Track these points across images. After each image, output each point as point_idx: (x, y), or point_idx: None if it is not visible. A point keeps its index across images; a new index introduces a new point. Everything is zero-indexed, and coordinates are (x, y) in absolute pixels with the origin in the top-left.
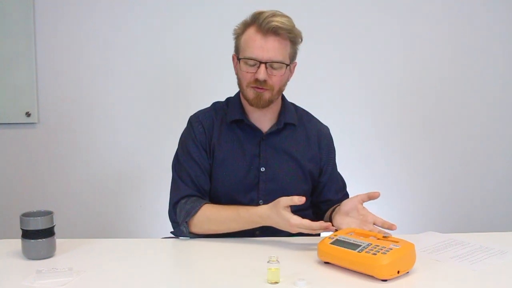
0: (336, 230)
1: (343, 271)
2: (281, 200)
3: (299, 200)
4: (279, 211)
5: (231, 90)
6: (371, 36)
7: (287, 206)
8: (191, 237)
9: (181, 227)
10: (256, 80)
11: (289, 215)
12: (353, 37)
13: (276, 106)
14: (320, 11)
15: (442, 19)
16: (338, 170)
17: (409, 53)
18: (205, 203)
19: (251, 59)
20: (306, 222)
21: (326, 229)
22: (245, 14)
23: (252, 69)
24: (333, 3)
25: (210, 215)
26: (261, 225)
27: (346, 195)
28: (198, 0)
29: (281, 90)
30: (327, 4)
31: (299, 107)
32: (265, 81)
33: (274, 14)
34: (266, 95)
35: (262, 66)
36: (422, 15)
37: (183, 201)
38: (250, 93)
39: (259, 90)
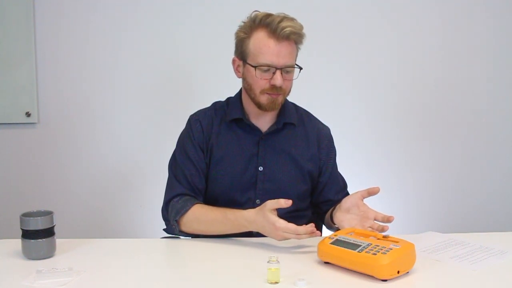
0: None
1: (343, 271)
2: (268, 203)
3: (285, 203)
4: (265, 213)
5: (232, 90)
6: (372, 35)
7: (274, 210)
8: (181, 236)
9: (171, 225)
10: (273, 87)
11: (275, 218)
12: (354, 37)
13: None
14: (319, 13)
15: (442, 19)
16: (340, 170)
17: (410, 54)
18: (196, 203)
19: (267, 66)
20: (292, 226)
21: (312, 234)
22: (247, 14)
23: (267, 75)
24: (331, 4)
25: (199, 216)
26: (247, 229)
27: (346, 195)
28: (199, 1)
29: (289, 92)
30: (326, 6)
31: (300, 107)
32: (280, 87)
33: (284, 18)
34: (280, 99)
35: (278, 72)
36: (421, 14)
37: (175, 199)
38: (264, 98)
39: (274, 96)
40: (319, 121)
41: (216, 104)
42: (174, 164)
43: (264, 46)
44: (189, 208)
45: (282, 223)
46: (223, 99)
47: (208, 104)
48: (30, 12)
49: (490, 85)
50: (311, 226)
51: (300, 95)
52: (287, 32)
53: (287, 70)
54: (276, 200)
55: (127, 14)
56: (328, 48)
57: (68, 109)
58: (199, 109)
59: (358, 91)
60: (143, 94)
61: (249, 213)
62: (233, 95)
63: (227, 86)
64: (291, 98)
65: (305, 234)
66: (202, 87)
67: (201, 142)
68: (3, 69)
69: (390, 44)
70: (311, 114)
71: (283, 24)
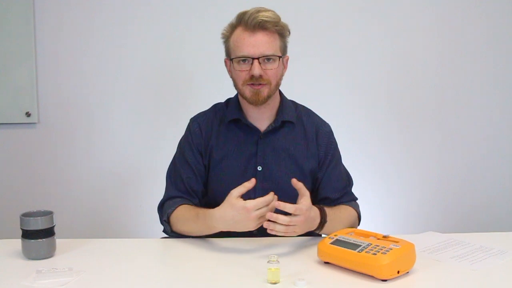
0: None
1: (343, 271)
2: (232, 192)
3: (249, 183)
4: (232, 202)
5: (231, 91)
6: (375, 34)
7: (239, 196)
8: (175, 237)
9: (163, 226)
10: (252, 77)
11: (243, 201)
12: (357, 36)
13: (273, 104)
14: (318, 10)
15: (444, 15)
16: None
17: (412, 52)
18: (182, 204)
19: (243, 57)
20: (260, 198)
21: (275, 196)
22: None
23: (246, 67)
24: (331, 4)
25: (179, 216)
26: (216, 229)
27: (347, 195)
28: (198, 2)
29: (277, 84)
30: (325, 5)
31: (300, 105)
32: (260, 76)
33: (259, 10)
34: (264, 91)
35: (256, 61)
36: (423, 11)
37: (168, 202)
38: (247, 91)
39: (256, 87)
40: (319, 117)
41: (216, 106)
42: (173, 167)
43: (240, 39)
44: (174, 209)
45: (252, 201)
46: (222, 100)
47: (206, 105)
48: (30, 12)
49: (491, 86)
50: (270, 194)
51: (301, 95)
52: (259, 20)
53: (266, 59)
54: (240, 186)
55: (127, 16)
56: (330, 48)
57: (68, 109)
58: (197, 110)
59: (360, 91)
60: (143, 94)
61: (215, 210)
62: (232, 95)
63: (226, 87)
64: (292, 97)
65: (273, 200)
66: (201, 88)
67: (200, 145)
68: (3, 69)
69: (393, 43)
70: (311, 111)
71: (256, 15)
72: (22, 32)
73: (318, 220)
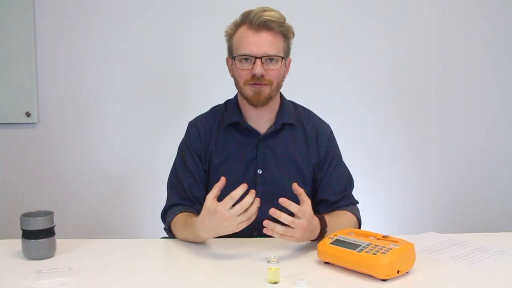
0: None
1: (343, 271)
2: (207, 196)
3: (221, 182)
4: (207, 206)
5: (229, 92)
6: (376, 33)
7: (215, 199)
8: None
9: (167, 234)
10: (253, 76)
11: (215, 204)
12: (357, 35)
13: (274, 106)
14: (321, 10)
15: (444, 13)
16: None
17: (413, 53)
18: (181, 212)
19: (245, 56)
20: (228, 197)
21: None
22: None
23: (248, 66)
24: (330, 3)
25: (176, 224)
26: (202, 238)
27: (346, 197)
28: (197, 3)
29: (279, 85)
30: (325, 4)
31: (299, 105)
32: (262, 76)
33: (265, 10)
34: (265, 91)
35: (258, 61)
36: (423, 9)
37: (170, 209)
38: (248, 90)
39: (257, 87)
40: (318, 118)
41: (214, 109)
42: (174, 173)
43: (243, 38)
44: (173, 217)
45: (221, 202)
46: (220, 101)
47: (204, 106)
48: (30, 12)
49: (492, 85)
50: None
51: (303, 95)
52: (264, 20)
53: (269, 59)
54: (214, 187)
55: (127, 16)
56: (331, 47)
57: (68, 109)
58: (197, 110)
59: (360, 91)
60: (143, 94)
61: (197, 218)
62: (231, 97)
63: (224, 87)
64: (293, 96)
65: (251, 200)
66: (199, 89)
67: (199, 149)
68: (3, 69)
69: (394, 43)
70: (311, 112)
71: (261, 14)
72: (22, 32)
73: (318, 230)
